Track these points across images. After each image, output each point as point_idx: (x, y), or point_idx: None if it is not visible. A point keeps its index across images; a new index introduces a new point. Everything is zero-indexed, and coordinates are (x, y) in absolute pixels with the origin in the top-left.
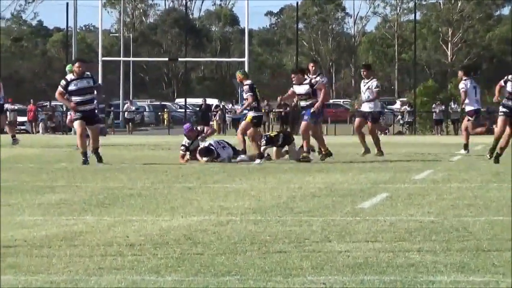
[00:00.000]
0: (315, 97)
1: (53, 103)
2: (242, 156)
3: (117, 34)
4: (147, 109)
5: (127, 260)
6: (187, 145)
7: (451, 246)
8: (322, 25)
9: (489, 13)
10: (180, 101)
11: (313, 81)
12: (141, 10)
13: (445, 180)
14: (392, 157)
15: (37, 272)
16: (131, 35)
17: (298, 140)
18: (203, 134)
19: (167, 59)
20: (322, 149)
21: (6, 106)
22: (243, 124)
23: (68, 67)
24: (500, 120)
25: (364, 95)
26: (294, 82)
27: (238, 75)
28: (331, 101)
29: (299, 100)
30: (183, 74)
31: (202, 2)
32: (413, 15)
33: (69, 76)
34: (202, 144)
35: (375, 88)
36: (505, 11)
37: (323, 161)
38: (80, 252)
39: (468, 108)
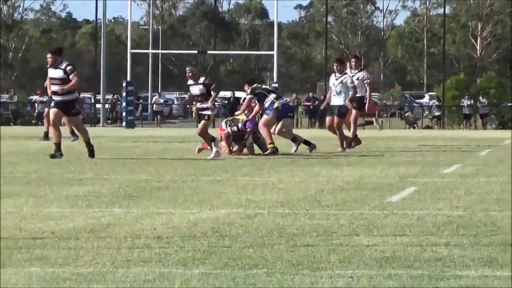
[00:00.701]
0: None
1: (81, 95)
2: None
3: (146, 27)
4: (175, 102)
5: (155, 253)
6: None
7: (478, 241)
8: (351, 19)
9: None
10: None
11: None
12: (170, 3)
13: (473, 175)
14: (420, 151)
15: (64, 264)
16: (160, 27)
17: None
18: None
19: (196, 52)
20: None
21: (35, 98)
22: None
23: None
24: None
25: (336, 88)
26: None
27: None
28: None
29: (195, 101)
30: (212, 67)
31: None
32: (442, 9)
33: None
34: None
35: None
36: None
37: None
38: (108, 245)
39: None
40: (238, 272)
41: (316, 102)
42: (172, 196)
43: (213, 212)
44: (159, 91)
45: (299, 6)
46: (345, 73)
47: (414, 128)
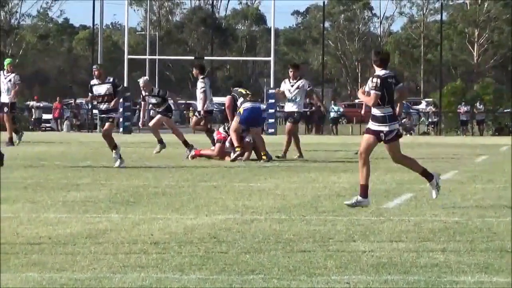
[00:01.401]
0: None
1: (78, 100)
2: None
3: (143, 32)
4: (172, 108)
5: (152, 258)
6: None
7: (475, 247)
8: (348, 25)
9: None
10: None
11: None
12: (167, 9)
13: (470, 181)
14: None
15: (61, 269)
16: (157, 33)
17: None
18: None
19: (193, 57)
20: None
21: (32, 103)
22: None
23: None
24: None
25: (291, 94)
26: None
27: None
28: (356, 101)
29: (98, 103)
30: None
31: (228, 1)
32: (439, 15)
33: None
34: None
35: (308, 87)
36: None
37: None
38: (105, 250)
39: None
40: (235, 278)
41: (313, 108)
42: (169, 202)
43: (210, 217)
44: None
45: (296, 12)
46: (300, 79)
47: (411, 134)
